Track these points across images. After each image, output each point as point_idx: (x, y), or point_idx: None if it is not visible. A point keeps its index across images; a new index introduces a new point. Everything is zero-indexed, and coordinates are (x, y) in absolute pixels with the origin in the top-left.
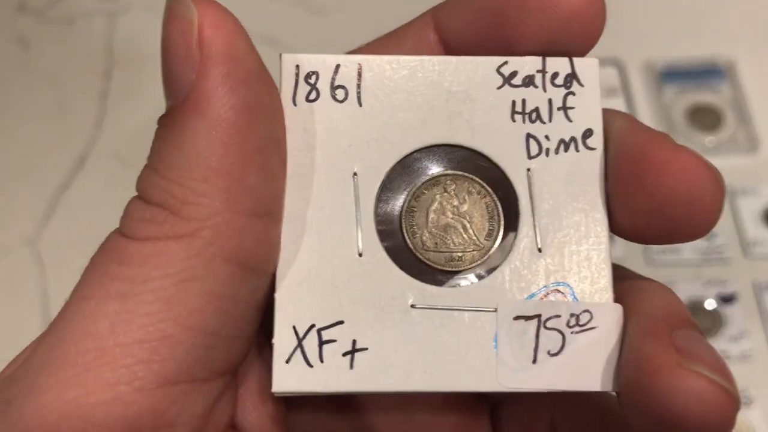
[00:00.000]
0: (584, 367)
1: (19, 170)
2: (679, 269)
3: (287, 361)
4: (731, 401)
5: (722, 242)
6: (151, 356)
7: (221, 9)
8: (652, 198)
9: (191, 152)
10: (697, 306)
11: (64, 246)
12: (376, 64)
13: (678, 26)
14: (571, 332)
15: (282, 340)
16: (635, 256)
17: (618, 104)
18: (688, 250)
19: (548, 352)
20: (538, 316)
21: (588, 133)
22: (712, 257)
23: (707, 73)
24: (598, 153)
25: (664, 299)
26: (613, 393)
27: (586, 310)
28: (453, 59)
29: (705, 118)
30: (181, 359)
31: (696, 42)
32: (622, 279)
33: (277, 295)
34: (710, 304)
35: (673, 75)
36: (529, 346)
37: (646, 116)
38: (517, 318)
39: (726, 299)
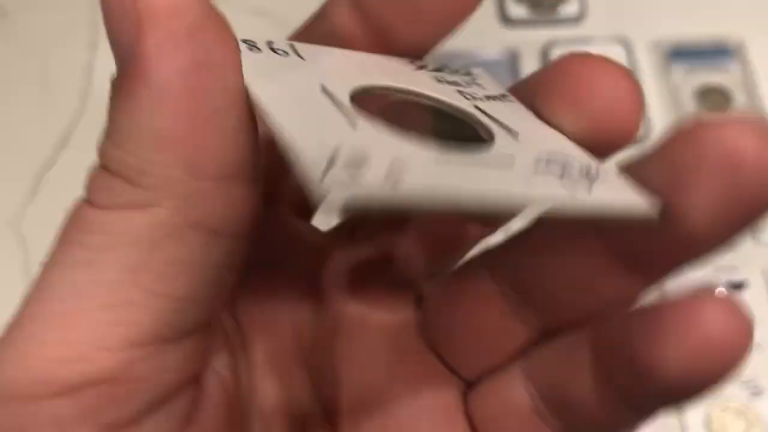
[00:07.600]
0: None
1: None
2: None
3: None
4: None
5: None
6: (115, 320)
7: None
8: (561, 89)
9: (142, 122)
10: None
11: (49, 227)
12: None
13: (687, 5)
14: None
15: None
16: None
17: None
18: None
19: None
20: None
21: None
22: None
23: (716, 53)
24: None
25: None
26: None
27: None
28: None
29: (714, 99)
30: (147, 323)
31: (705, 21)
32: None
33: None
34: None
35: (681, 55)
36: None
37: (654, 96)
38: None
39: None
